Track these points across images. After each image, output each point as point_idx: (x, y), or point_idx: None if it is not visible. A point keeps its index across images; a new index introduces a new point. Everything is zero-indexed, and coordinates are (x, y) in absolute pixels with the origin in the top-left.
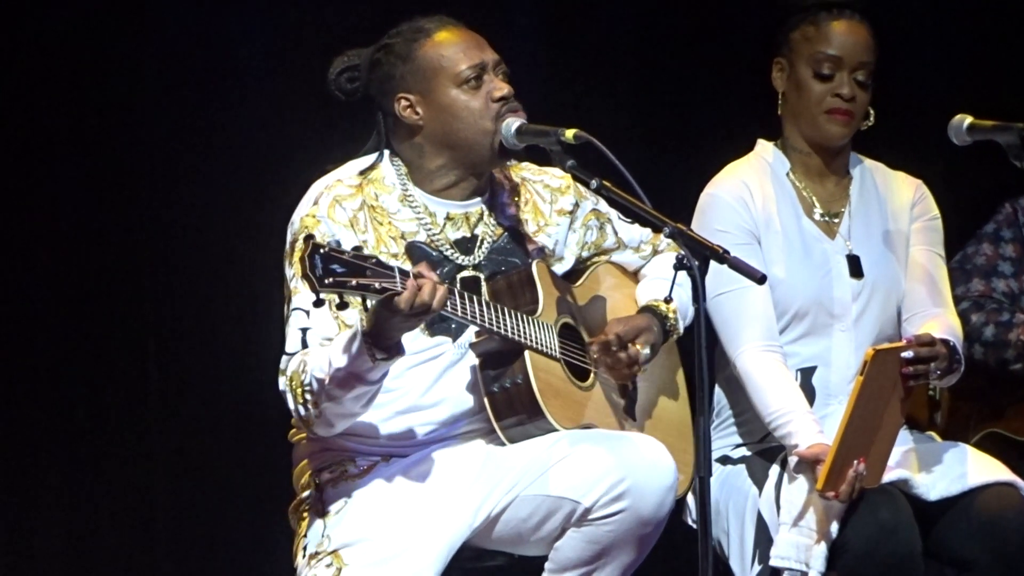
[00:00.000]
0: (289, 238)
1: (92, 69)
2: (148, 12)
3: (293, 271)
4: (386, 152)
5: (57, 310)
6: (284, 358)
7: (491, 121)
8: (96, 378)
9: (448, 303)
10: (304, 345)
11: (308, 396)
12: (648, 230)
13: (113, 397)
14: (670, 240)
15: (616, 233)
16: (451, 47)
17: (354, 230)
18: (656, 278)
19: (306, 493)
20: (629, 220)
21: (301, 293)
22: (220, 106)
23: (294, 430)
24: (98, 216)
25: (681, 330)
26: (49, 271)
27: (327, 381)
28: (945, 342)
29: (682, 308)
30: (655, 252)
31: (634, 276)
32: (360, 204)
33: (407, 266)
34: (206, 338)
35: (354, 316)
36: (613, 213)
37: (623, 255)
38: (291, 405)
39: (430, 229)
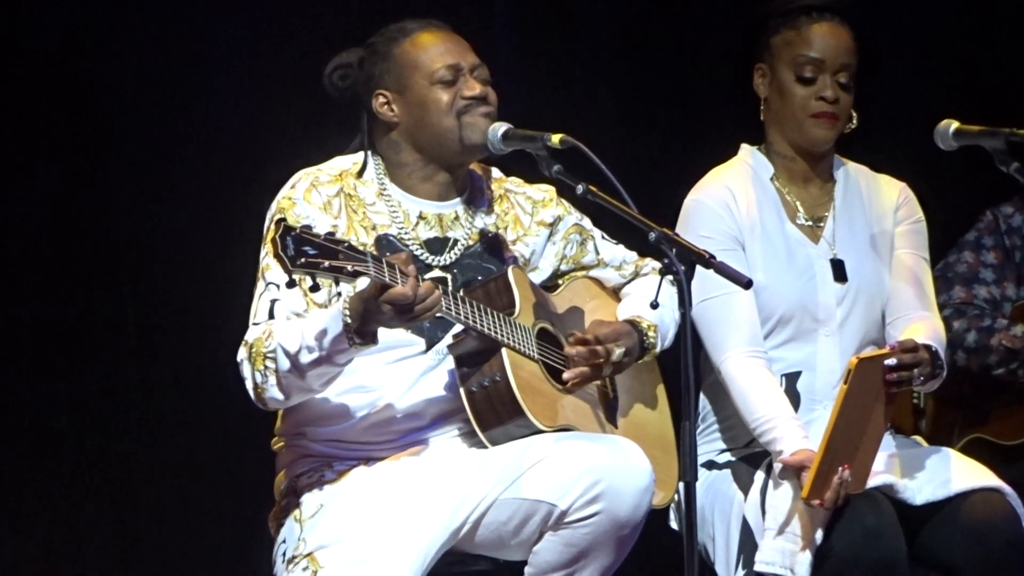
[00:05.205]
0: (267, 222)
1: (74, 65)
2: (129, 13)
3: (266, 250)
4: (368, 151)
5: (37, 314)
6: (250, 328)
7: (455, 116)
8: (77, 383)
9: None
10: (271, 316)
11: (268, 363)
12: (633, 253)
13: (94, 403)
14: (655, 265)
15: (598, 251)
16: (431, 47)
17: (327, 214)
18: (640, 297)
19: (285, 500)
20: (614, 241)
21: (273, 269)
22: (201, 102)
23: (276, 438)
24: (77, 220)
25: (659, 348)
26: (29, 273)
27: (296, 353)
28: (928, 347)
29: (663, 327)
30: (637, 274)
31: (613, 293)
32: (337, 191)
33: None
34: (187, 342)
35: (324, 295)
36: (597, 232)
37: (603, 272)
38: (246, 373)
39: (402, 226)
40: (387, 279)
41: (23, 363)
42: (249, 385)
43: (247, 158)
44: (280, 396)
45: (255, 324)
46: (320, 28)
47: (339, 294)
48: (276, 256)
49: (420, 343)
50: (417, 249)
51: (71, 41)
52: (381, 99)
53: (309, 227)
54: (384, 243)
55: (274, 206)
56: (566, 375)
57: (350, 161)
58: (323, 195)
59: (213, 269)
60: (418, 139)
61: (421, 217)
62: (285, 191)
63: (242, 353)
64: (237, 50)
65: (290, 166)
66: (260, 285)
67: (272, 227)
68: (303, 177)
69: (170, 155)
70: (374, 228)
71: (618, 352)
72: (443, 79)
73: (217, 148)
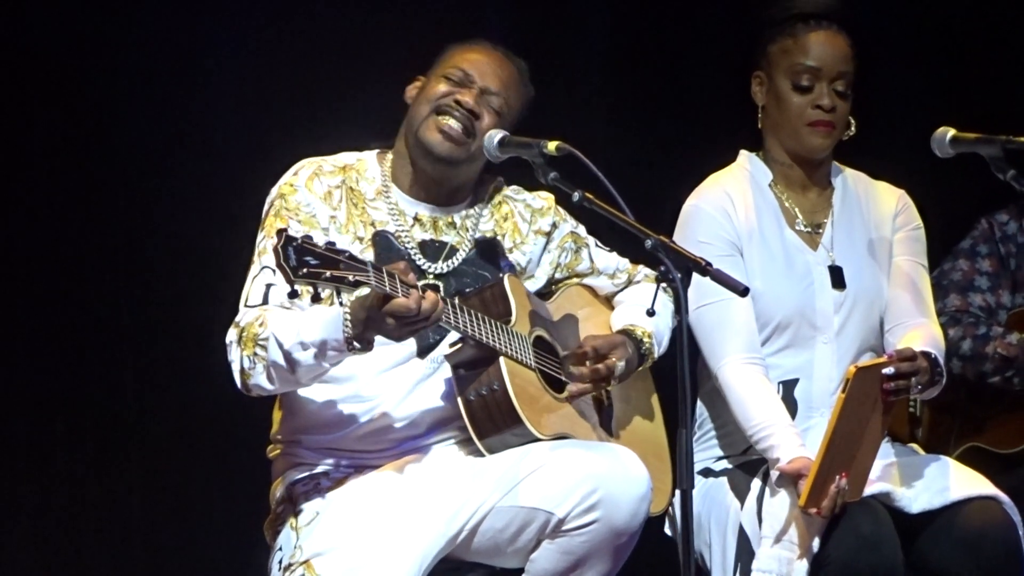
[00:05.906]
0: (266, 206)
1: (73, 62)
2: (128, 11)
3: (263, 233)
4: (379, 150)
5: (33, 317)
6: (243, 310)
7: (431, 108)
8: (73, 390)
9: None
10: (266, 301)
11: (259, 351)
12: (626, 260)
13: (90, 409)
14: (647, 272)
15: (592, 259)
16: (467, 54)
17: (328, 204)
18: (634, 305)
19: (281, 507)
20: (608, 248)
21: (270, 252)
22: (196, 102)
23: (271, 445)
24: (73, 222)
25: (656, 355)
26: (25, 273)
27: (290, 348)
28: (926, 355)
29: (658, 335)
30: (630, 282)
31: (606, 301)
32: (340, 183)
33: (371, 253)
34: (184, 348)
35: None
36: (591, 240)
37: (596, 280)
38: (234, 355)
39: (400, 225)
40: (388, 289)
41: (19, 367)
42: (236, 368)
43: (243, 162)
44: (266, 384)
45: (248, 307)
46: (319, 27)
47: (340, 303)
48: (279, 266)
49: (410, 343)
50: (414, 251)
51: (70, 40)
52: (415, 83)
53: (310, 237)
54: (382, 240)
55: (275, 190)
56: (568, 391)
57: (355, 157)
58: (325, 184)
59: (211, 273)
60: (407, 127)
61: (416, 219)
62: (287, 177)
63: (232, 335)
64: (236, 48)
65: (287, 168)
66: (255, 267)
67: (274, 236)
68: (307, 165)
69: (166, 157)
70: (372, 224)
71: (619, 367)
72: (449, 76)
73: (213, 151)
